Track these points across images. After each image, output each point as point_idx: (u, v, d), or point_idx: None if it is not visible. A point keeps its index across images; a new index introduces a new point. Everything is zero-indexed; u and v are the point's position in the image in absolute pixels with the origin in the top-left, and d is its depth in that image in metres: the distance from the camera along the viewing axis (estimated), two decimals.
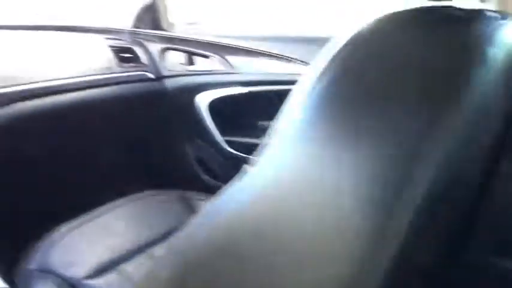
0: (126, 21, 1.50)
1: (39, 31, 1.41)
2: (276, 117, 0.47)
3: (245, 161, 1.24)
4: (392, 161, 0.37)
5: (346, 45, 0.46)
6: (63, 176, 1.20)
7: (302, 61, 1.14)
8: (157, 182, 1.34)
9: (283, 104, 0.48)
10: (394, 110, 0.40)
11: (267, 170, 0.43)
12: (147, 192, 1.22)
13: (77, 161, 1.24)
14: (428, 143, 0.37)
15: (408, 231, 0.34)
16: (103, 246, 1.02)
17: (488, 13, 0.49)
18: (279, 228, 0.37)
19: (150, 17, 1.47)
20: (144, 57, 1.39)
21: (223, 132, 1.30)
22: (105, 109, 1.28)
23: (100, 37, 1.40)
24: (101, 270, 0.96)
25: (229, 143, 1.30)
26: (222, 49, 1.29)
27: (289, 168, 0.41)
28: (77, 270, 0.94)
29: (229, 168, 1.37)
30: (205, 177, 1.44)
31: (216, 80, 1.31)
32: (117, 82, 1.30)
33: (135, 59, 1.38)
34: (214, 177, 1.42)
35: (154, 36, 1.43)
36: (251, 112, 1.30)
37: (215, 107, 1.29)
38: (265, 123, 1.27)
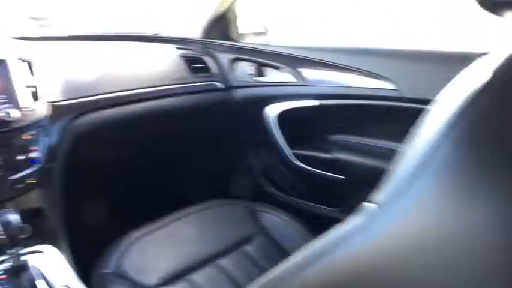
0: (193, 31, 1.53)
1: (112, 41, 1.46)
2: (405, 141, 0.42)
3: (313, 174, 1.23)
4: None
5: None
6: (137, 183, 1.24)
7: (379, 75, 1.10)
8: (223, 192, 1.35)
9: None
10: None
11: (394, 209, 0.37)
12: (214, 202, 1.23)
13: (150, 168, 1.27)
14: None
15: None
16: (173, 254, 1.04)
17: None
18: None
19: (220, 27, 1.49)
20: (214, 67, 1.41)
21: (291, 145, 1.28)
22: (177, 118, 1.31)
23: (171, 47, 1.43)
24: (171, 279, 0.97)
25: (297, 156, 1.28)
26: (294, 60, 1.27)
27: (427, 212, 0.35)
28: (149, 277, 0.96)
29: (296, 181, 1.35)
30: (271, 189, 1.43)
31: (286, 91, 1.29)
32: (188, 92, 1.32)
33: (205, 69, 1.39)
34: (280, 190, 1.41)
35: (224, 46, 1.44)
36: (321, 126, 1.27)
37: (284, 119, 1.28)
38: (335, 137, 1.24)
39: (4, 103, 0.91)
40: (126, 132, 1.19)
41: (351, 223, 0.39)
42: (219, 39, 1.47)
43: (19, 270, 0.83)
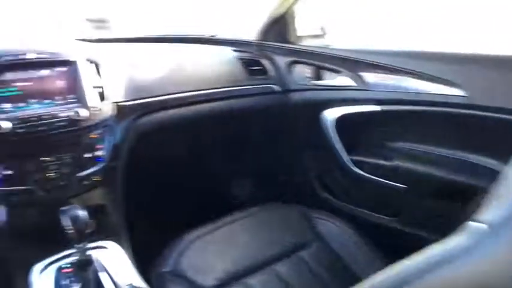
0: (249, 33, 1.53)
1: (170, 43, 1.49)
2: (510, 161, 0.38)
3: (371, 181, 1.19)
4: None
5: None
6: (194, 183, 1.25)
7: (446, 80, 1.05)
8: (277, 194, 1.34)
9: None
10: None
11: (507, 231, 0.34)
12: (269, 205, 1.22)
13: (206, 169, 1.29)
14: None
15: None
16: (229, 256, 1.04)
17: None
18: None
19: (277, 29, 1.48)
20: (271, 70, 1.40)
21: (348, 151, 1.25)
22: (234, 120, 1.31)
23: (227, 49, 1.44)
24: (227, 281, 0.98)
25: (354, 162, 1.24)
26: (354, 64, 1.24)
27: None
28: (206, 278, 0.97)
29: (352, 188, 1.32)
30: (324, 194, 1.40)
31: (345, 96, 1.26)
32: (245, 94, 1.32)
33: (262, 71, 1.39)
34: (334, 195, 1.38)
35: (282, 48, 1.43)
36: (381, 132, 1.23)
37: (342, 123, 1.24)
38: (396, 144, 1.20)
39: (73, 102, 0.95)
40: (185, 133, 1.21)
41: (453, 242, 0.36)
42: (276, 42, 1.46)
43: (84, 264, 0.86)
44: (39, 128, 0.89)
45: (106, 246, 0.96)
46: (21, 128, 0.87)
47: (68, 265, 0.89)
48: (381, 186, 1.19)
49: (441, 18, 1.47)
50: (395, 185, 1.16)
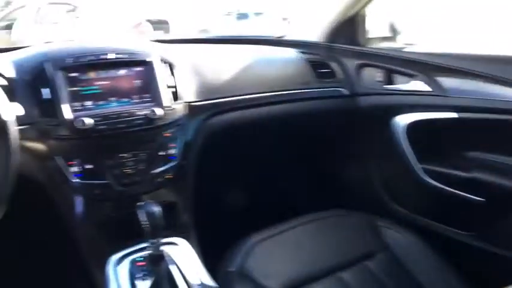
0: (317, 35, 1.50)
1: (238, 44, 1.50)
2: None
3: (444, 193, 1.13)
4: None
5: None
6: (259, 184, 1.26)
7: None
8: (341, 201, 1.32)
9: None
10: None
11: None
12: (334, 211, 1.20)
13: (272, 171, 1.29)
14: None
15: None
16: (295, 261, 1.03)
17: None
18: None
19: (346, 31, 1.44)
20: (340, 73, 1.37)
21: (420, 159, 1.19)
22: (301, 123, 1.30)
23: (295, 51, 1.43)
24: (292, 286, 0.97)
25: (426, 171, 1.18)
26: (429, 68, 1.18)
27: None
28: (271, 281, 0.97)
29: (423, 198, 1.26)
30: (391, 203, 1.35)
31: (417, 101, 1.20)
32: (313, 97, 1.31)
33: (330, 74, 1.36)
34: (402, 205, 1.33)
35: (351, 51, 1.40)
36: (458, 141, 1.16)
37: (414, 130, 1.19)
38: (474, 154, 1.13)
39: (149, 101, 0.98)
40: (254, 134, 1.22)
41: None
42: (345, 44, 1.43)
43: (157, 259, 0.89)
44: (118, 125, 0.94)
45: (177, 242, 0.99)
46: (102, 124, 0.92)
47: (141, 259, 0.92)
48: (456, 198, 1.12)
49: None
50: (473, 198, 1.09)
